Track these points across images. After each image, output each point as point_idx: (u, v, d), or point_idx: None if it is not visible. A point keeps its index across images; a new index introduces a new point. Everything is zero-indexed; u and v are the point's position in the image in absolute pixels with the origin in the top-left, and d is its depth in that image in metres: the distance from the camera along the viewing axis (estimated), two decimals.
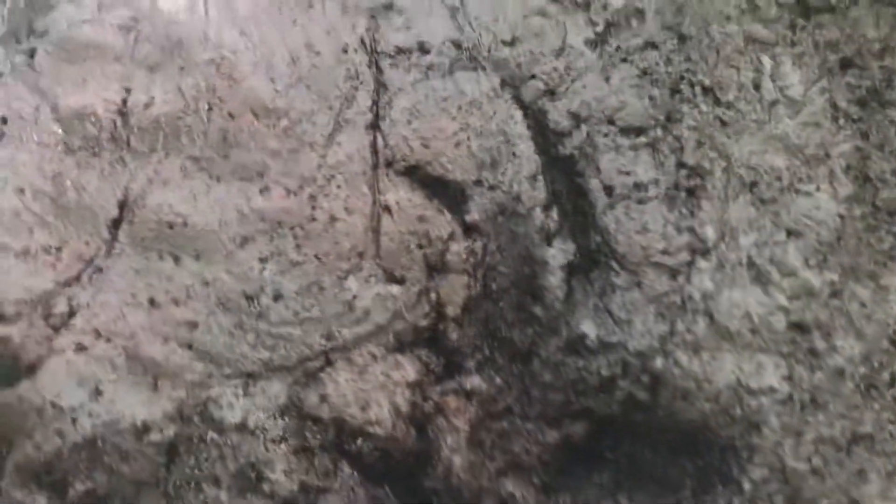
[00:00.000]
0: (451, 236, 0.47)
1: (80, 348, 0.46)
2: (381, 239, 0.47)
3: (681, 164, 0.47)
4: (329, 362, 0.46)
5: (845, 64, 0.50)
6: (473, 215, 0.47)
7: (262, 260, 0.47)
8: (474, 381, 0.46)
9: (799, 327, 0.44)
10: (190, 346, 0.45)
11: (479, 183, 0.47)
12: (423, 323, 0.47)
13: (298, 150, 0.48)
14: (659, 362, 0.44)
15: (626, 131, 0.48)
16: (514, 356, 0.47)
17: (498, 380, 0.47)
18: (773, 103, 0.49)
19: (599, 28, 0.51)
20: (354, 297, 0.47)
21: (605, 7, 0.51)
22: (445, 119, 0.48)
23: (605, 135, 0.48)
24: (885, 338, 0.44)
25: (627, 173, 0.46)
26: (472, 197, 0.47)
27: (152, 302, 0.46)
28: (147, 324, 0.46)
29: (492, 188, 0.47)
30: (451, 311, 0.46)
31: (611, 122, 0.48)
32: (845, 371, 0.44)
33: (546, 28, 0.50)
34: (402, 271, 0.47)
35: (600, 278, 0.46)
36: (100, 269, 0.46)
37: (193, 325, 0.45)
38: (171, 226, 0.46)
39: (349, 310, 0.46)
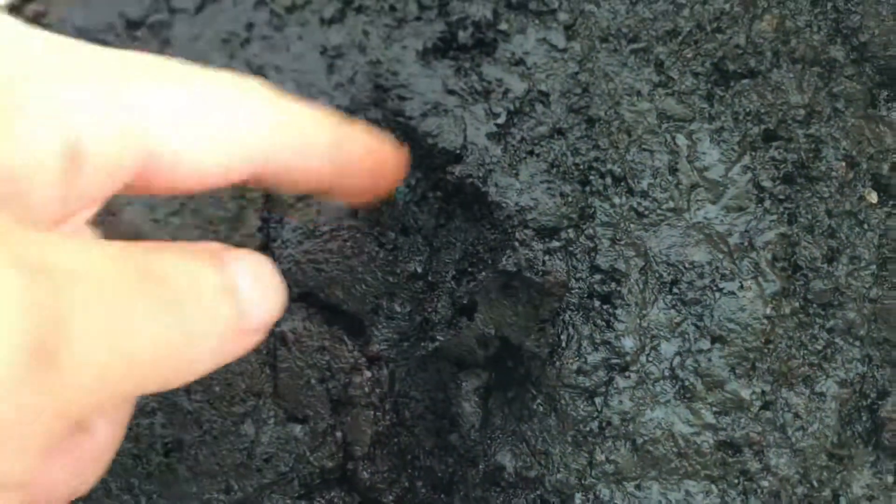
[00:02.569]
0: (354, 367, 0.43)
1: None
2: (279, 375, 0.44)
3: (594, 268, 0.43)
4: None
5: (769, 136, 0.46)
6: (374, 345, 0.43)
7: (150, 413, 0.43)
8: None
9: (729, 446, 0.41)
10: None
11: (376, 310, 0.43)
12: (330, 464, 0.43)
13: None
14: (578, 499, 0.40)
15: (539, 233, 0.44)
16: (437, 486, 0.44)
17: None
18: (692, 188, 0.45)
19: (501, 119, 0.46)
20: (252, 442, 0.43)
21: (505, 94, 0.47)
22: (339, 241, 0.44)
23: (521, 242, 0.44)
24: (823, 452, 0.40)
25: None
26: (374, 324, 0.43)
27: None
28: None
29: (390, 317, 0.43)
30: (360, 449, 0.43)
31: (524, 224, 0.44)
32: (781, 494, 0.40)
33: (444, 125, 0.46)
34: (304, 409, 0.44)
35: (517, 401, 0.42)
36: None
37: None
38: None
39: (248, 458, 0.43)
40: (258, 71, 0.48)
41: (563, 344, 0.39)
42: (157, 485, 0.42)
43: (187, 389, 0.43)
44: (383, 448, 0.43)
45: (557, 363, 0.38)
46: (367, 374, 0.41)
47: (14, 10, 0.52)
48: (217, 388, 0.42)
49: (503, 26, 0.48)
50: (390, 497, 0.43)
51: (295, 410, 0.42)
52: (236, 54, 0.49)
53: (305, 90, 0.48)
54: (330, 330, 0.42)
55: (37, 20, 0.51)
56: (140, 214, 0.45)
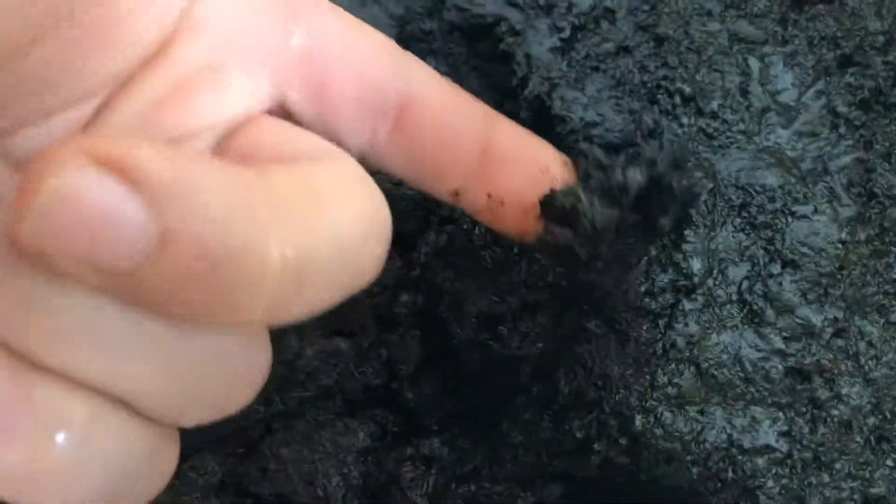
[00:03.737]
0: (400, 284, 0.41)
1: None
2: None
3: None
4: (269, 431, 0.40)
5: (844, 62, 0.43)
6: (418, 266, 0.41)
7: None
8: (434, 445, 0.41)
9: (798, 374, 0.38)
10: None
11: (423, 230, 0.41)
12: (375, 382, 0.41)
13: None
14: (639, 421, 0.38)
15: (605, 149, 0.42)
16: (483, 410, 0.42)
17: (462, 439, 0.42)
18: (764, 111, 0.42)
19: (566, 34, 0.44)
20: (296, 355, 0.41)
21: (569, 9, 0.45)
22: None
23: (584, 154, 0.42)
24: None
25: None
26: (421, 244, 0.41)
27: None
28: None
29: (443, 222, 0.41)
30: (405, 369, 0.41)
31: (588, 139, 0.42)
32: (852, 423, 0.37)
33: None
34: (349, 324, 0.41)
35: (572, 323, 0.40)
36: None
37: None
38: None
39: (290, 370, 0.41)
40: None
41: (631, 264, 0.37)
42: None
43: None
44: (429, 370, 0.41)
45: (623, 286, 0.36)
46: (413, 294, 0.39)
47: None
48: None
49: None
50: (433, 419, 0.41)
51: (340, 324, 0.40)
52: None
53: None
54: None
55: None
56: None
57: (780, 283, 0.37)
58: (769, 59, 0.40)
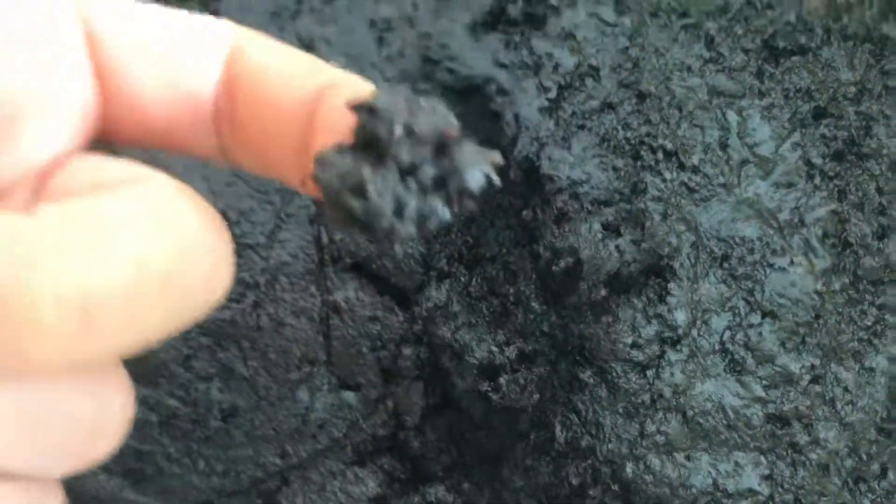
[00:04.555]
0: (404, 339, 0.44)
1: None
2: (332, 343, 0.44)
3: (647, 240, 0.43)
4: (285, 482, 0.43)
5: (819, 113, 0.45)
6: (420, 321, 0.43)
7: (207, 378, 0.43)
8: (440, 491, 0.43)
9: (778, 420, 0.41)
10: (136, 480, 0.42)
11: (422, 287, 0.43)
12: (382, 432, 0.44)
13: (239, 254, 0.45)
14: (630, 468, 0.41)
15: (595, 204, 0.44)
16: (485, 456, 0.44)
17: (467, 484, 0.44)
18: (743, 163, 0.45)
19: (552, 94, 0.46)
20: (307, 409, 0.44)
21: (556, 68, 0.47)
22: None
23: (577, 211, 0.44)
24: (871, 426, 0.41)
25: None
26: (420, 301, 0.44)
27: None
28: None
29: (442, 277, 0.44)
30: (410, 420, 0.43)
31: (574, 196, 0.44)
32: (830, 466, 0.40)
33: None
34: (356, 377, 0.44)
35: (568, 373, 0.43)
36: None
37: (138, 455, 0.42)
38: None
39: (303, 423, 0.43)
40: (308, 44, 0.48)
41: (618, 317, 0.39)
42: (214, 448, 0.42)
43: (243, 356, 0.43)
44: (433, 419, 0.43)
45: (612, 337, 0.39)
46: (416, 348, 0.42)
47: None
48: (272, 354, 0.43)
49: (553, 0, 0.48)
50: (439, 466, 0.44)
51: (347, 378, 0.42)
52: (286, 27, 0.49)
53: (355, 63, 0.48)
54: (381, 300, 0.43)
55: None
56: (197, 184, 0.45)
57: (760, 333, 0.39)
58: (747, 112, 0.42)
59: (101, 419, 0.20)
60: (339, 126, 0.20)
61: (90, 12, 0.22)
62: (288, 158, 0.22)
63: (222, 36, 0.23)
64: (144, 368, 0.43)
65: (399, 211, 0.19)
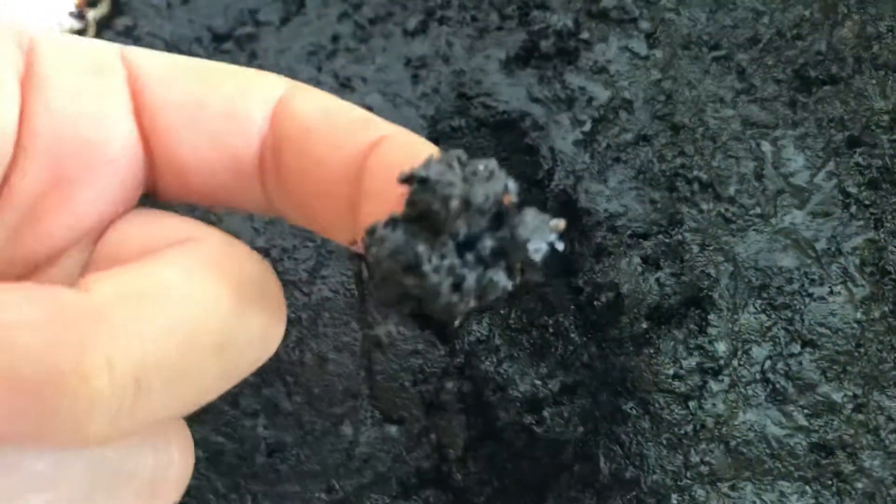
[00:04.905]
0: (445, 373, 0.44)
1: None
2: (375, 378, 0.45)
3: (686, 272, 0.44)
4: None
5: (853, 142, 0.46)
6: (461, 355, 0.44)
7: (253, 415, 0.44)
8: None
9: (822, 449, 0.41)
10: None
11: (462, 323, 0.44)
12: (426, 465, 0.44)
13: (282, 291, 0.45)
14: (675, 500, 0.41)
15: (633, 238, 0.45)
16: (528, 487, 0.45)
17: None
18: (778, 193, 0.45)
19: (587, 127, 0.47)
20: (351, 443, 0.44)
21: (589, 101, 0.47)
22: None
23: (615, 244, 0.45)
24: None
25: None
26: (460, 336, 0.44)
27: None
28: None
29: (482, 310, 0.44)
30: (453, 452, 0.44)
31: (612, 229, 0.45)
32: (876, 495, 0.40)
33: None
34: (399, 411, 0.44)
35: (610, 404, 0.43)
36: None
37: (186, 491, 0.43)
38: None
39: (348, 458, 0.44)
40: (345, 82, 0.49)
41: (659, 349, 0.39)
42: (261, 484, 0.43)
43: (288, 392, 0.44)
44: (476, 451, 0.43)
45: (653, 368, 0.39)
46: (458, 381, 0.42)
47: (104, 24, 0.53)
48: (316, 389, 0.43)
49: (585, 35, 0.49)
50: (482, 497, 0.44)
51: (391, 412, 0.43)
52: (323, 66, 0.49)
53: (391, 100, 0.49)
54: (422, 334, 0.43)
55: (127, 33, 0.53)
56: (239, 223, 0.46)
57: (801, 362, 0.40)
58: (781, 142, 0.43)
59: (163, 475, 0.21)
60: (387, 191, 0.19)
61: (135, 72, 0.22)
62: (335, 216, 0.21)
63: (268, 90, 0.22)
64: None
65: (457, 286, 0.18)
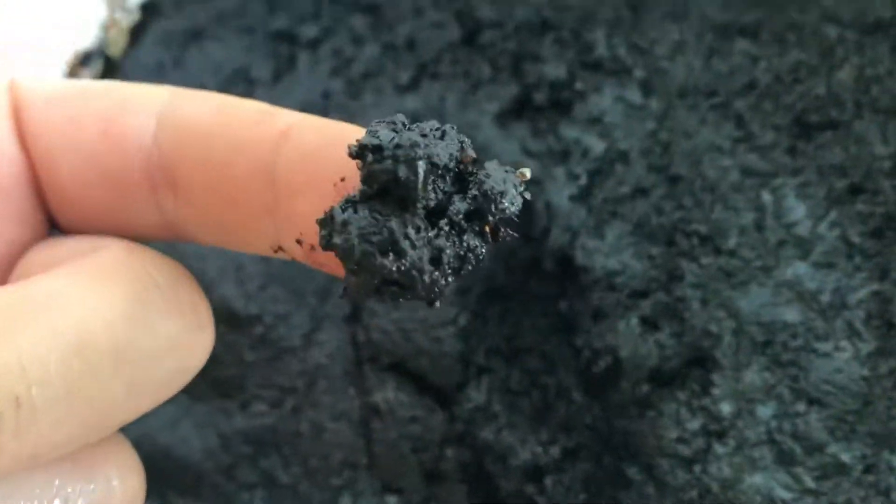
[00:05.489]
0: (445, 440, 0.43)
1: None
2: (373, 446, 0.44)
3: (687, 332, 0.43)
4: None
5: (855, 190, 0.45)
6: (460, 422, 0.43)
7: (251, 487, 0.44)
8: None
9: None
10: None
11: (461, 386, 0.43)
12: None
13: (277, 358, 0.45)
14: None
15: (632, 297, 0.44)
16: None
17: None
18: (780, 244, 0.44)
19: (583, 181, 0.46)
20: None
21: (584, 154, 0.47)
22: (426, 310, 0.44)
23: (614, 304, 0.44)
24: None
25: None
26: (459, 400, 0.44)
27: None
28: None
29: (481, 371, 0.43)
30: None
31: (610, 288, 0.44)
32: None
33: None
34: (398, 481, 0.44)
35: (613, 469, 0.42)
36: None
37: None
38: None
39: None
40: None
41: (662, 412, 0.39)
42: None
43: (285, 463, 0.43)
44: None
45: (657, 431, 0.38)
46: (458, 449, 0.41)
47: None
48: (314, 460, 0.43)
49: (578, 86, 0.48)
50: None
51: (390, 482, 0.42)
52: None
53: None
54: (420, 400, 0.43)
55: None
56: (231, 290, 0.46)
57: (808, 422, 0.39)
58: (781, 191, 0.42)
59: (105, 499, 0.20)
60: (315, 182, 0.17)
61: (21, 99, 0.22)
62: (251, 224, 0.19)
63: (147, 103, 0.21)
64: (187, 479, 0.43)
65: (436, 260, 0.17)
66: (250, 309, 0.43)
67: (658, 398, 0.40)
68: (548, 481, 0.40)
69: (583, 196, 0.44)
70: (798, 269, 0.43)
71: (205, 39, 0.52)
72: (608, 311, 0.40)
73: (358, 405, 0.41)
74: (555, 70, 0.47)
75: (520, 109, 0.47)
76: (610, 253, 0.42)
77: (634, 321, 0.40)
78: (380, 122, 0.17)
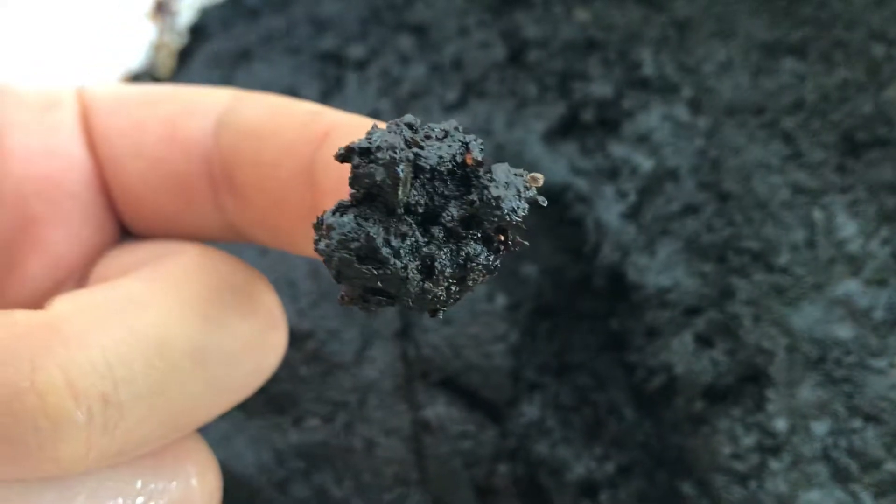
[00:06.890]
0: (497, 455, 0.44)
1: None
2: (425, 462, 0.44)
3: (740, 348, 0.43)
4: None
5: None
6: (512, 437, 0.44)
7: (304, 502, 0.44)
8: None
9: None
10: None
11: (513, 401, 0.44)
12: None
13: (329, 373, 0.45)
14: None
15: (685, 314, 0.44)
16: None
17: None
18: (831, 262, 0.45)
19: (632, 198, 0.47)
20: None
21: (633, 172, 0.47)
22: (477, 326, 0.45)
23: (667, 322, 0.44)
24: None
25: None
26: (510, 416, 0.44)
27: None
28: None
29: (532, 387, 0.44)
30: None
31: (663, 305, 0.44)
32: None
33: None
34: (450, 496, 0.44)
35: (666, 485, 0.43)
36: None
37: None
38: None
39: None
40: None
41: (716, 428, 0.39)
42: None
43: (337, 478, 0.44)
44: None
45: (711, 447, 0.38)
46: (510, 464, 0.42)
47: None
48: (366, 475, 0.43)
49: (626, 104, 0.49)
50: None
51: (443, 497, 0.43)
52: None
53: None
54: (471, 415, 0.43)
55: None
56: (284, 306, 0.46)
57: (864, 438, 0.39)
58: (831, 208, 0.42)
59: (185, 496, 0.20)
60: (344, 184, 0.17)
61: (88, 105, 0.22)
62: (297, 225, 0.20)
63: (209, 105, 0.21)
64: (241, 495, 0.44)
65: (428, 269, 0.16)
66: (303, 325, 0.43)
67: (712, 414, 0.40)
68: (603, 497, 0.40)
69: (633, 214, 0.44)
70: (849, 286, 0.43)
71: (252, 61, 0.53)
72: (662, 329, 0.40)
73: (409, 421, 0.42)
74: (602, 88, 0.48)
75: (567, 128, 0.48)
76: (661, 270, 0.43)
77: (688, 338, 0.40)
78: (391, 122, 0.16)
